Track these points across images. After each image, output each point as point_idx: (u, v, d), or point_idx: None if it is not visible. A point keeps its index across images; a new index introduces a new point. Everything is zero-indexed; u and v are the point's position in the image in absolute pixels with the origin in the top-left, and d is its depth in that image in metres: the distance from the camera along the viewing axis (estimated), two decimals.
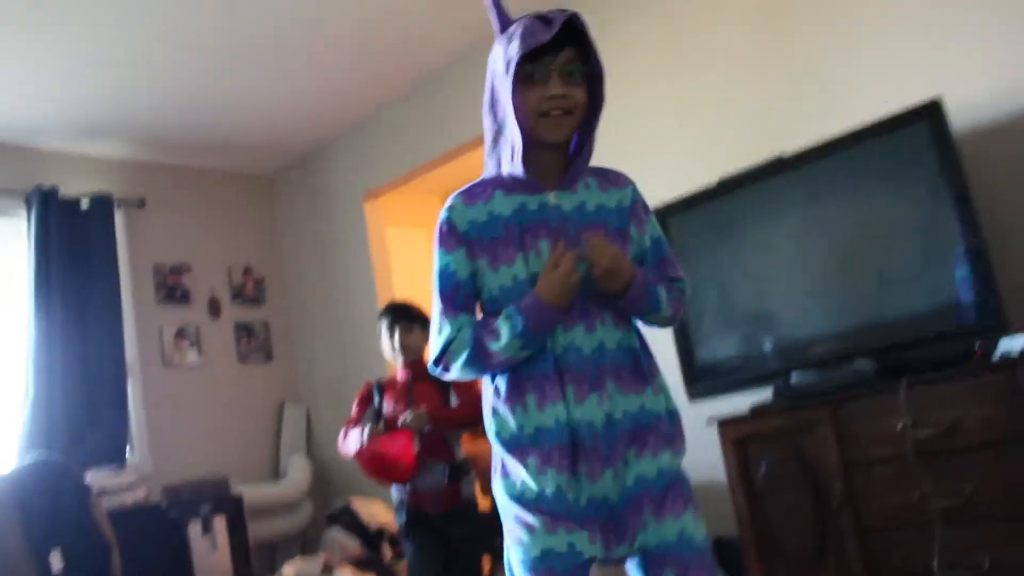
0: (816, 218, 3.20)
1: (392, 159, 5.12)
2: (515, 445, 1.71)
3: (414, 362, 3.36)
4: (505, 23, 1.84)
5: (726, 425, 3.19)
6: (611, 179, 1.96)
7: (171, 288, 5.23)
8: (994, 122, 3.04)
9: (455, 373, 1.80)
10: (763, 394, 3.35)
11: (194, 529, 4.18)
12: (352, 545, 4.59)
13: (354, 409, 3.42)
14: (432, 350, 1.82)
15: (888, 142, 3.00)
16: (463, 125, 4.72)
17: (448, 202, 1.87)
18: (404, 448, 3.06)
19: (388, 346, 3.39)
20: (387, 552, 4.62)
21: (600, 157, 3.80)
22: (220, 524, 4.26)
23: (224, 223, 5.60)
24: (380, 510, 4.76)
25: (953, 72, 3.14)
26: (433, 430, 3.17)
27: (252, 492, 4.75)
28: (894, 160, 3.00)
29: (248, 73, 4.44)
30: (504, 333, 1.69)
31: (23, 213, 4.72)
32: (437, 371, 1.83)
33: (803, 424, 2.99)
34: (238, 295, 5.52)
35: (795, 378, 3.16)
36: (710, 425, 3.28)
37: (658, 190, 3.80)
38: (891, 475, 2.79)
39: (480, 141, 4.72)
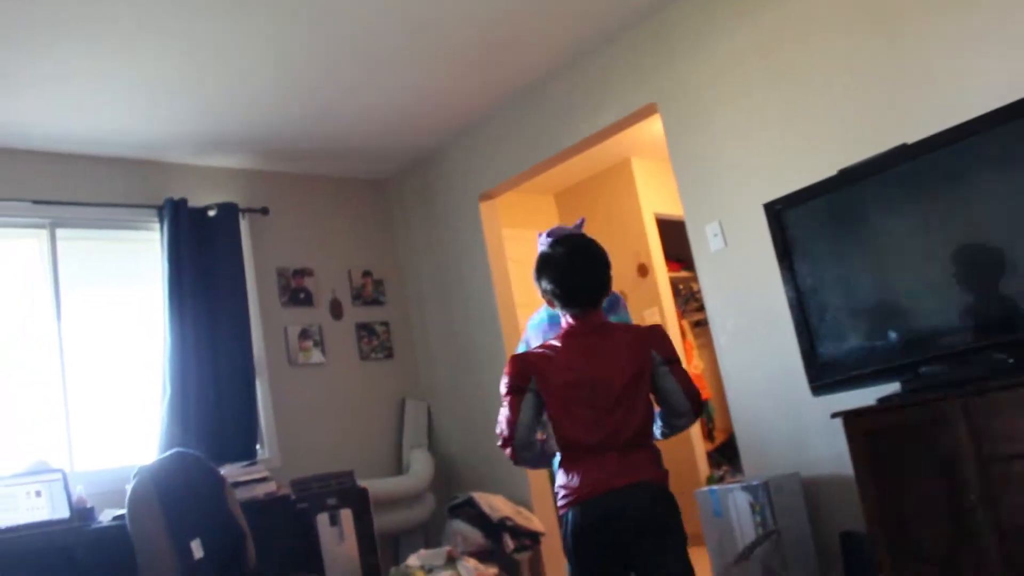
0: (943, 206, 3.12)
1: (506, 160, 5.19)
2: None
3: None
4: None
5: (853, 418, 3.14)
6: None
7: (295, 291, 5.42)
8: None
9: None
10: (889, 389, 3.27)
11: (322, 520, 4.33)
12: (474, 536, 4.67)
13: None
14: None
15: (1017, 127, 2.89)
16: (574, 126, 4.76)
17: None
18: None
19: None
20: (509, 543, 4.69)
21: (717, 156, 3.85)
22: (347, 516, 4.40)
23: (343, 228, 5.77)
24: (501, 502, 4.83)
25: None
26: None
27: (376, 485, 4.88)
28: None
29: (363, 81, 4.56)
30: None
31: (156, 225, 4.97)
32: None
33: (935, 417, 2.92)
34: (358, 296, 5.69)
35: (925, 371, 3.08)
36: (835, 418, 3.23)
37: (776, 185, 3.77)
38: None
39: (591, 142, 4.77)
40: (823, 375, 3.40)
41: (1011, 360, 2.83)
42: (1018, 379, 2.74)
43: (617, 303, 3.30)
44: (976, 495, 2.80)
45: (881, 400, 3.16)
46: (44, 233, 4.69)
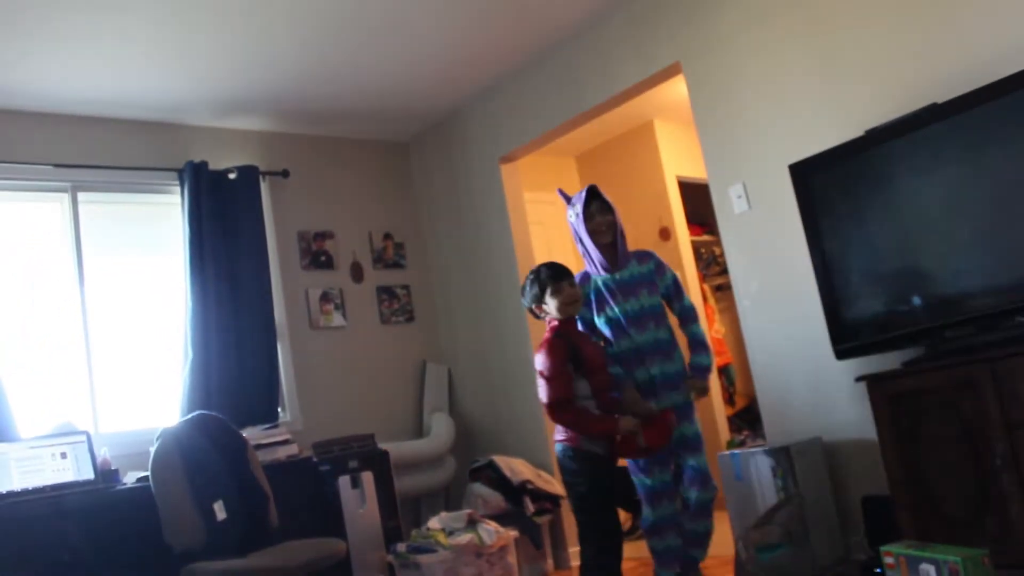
0: (972, 167, 3.06)
1: (527, 122, 5.14)
2: None
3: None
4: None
5: (877, 381, 3.10)
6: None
7: (315, 254, 5.42)
8: None
9: None
10: (913, 353, 3.23)
11: (343, 483, 4.35)
12: (495, 499, 4.69)
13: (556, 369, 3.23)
14: None
15: None
16: (598, 87, 4.70)
17: None
18: None
19: (558, 304, 3.27)
20: (529, 506, 4.70)
21: (742, 116, 3.81)
22: (368, 479, 4.42)
23: (364, 190, 5.75)
24: (522, 466, 4.84)
25: None
26: None
27: (397, 448, 4.90)
28: None
29: (381, 43, 4.52)
30: None
31: (177, 188, 4.96)
32: None
33: (960, 381, 2.88)
34: (379, 259, 5.68)
35: (950, 335, 3.04)
36: (858, 382, 3.19)
37: (801, 146, 3.71)
38: None
39: (614, 103, 4.72)
40: (847, 339, 3.36)
41: None
42: None
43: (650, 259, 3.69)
44: (1001, 459, 2.77)
45: (906, 364, 3.13)
46: (66, 197, 4.70)
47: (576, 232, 3.60)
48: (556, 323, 3.27)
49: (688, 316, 3.66)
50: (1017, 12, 3.16)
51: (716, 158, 4.18)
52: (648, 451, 3.28)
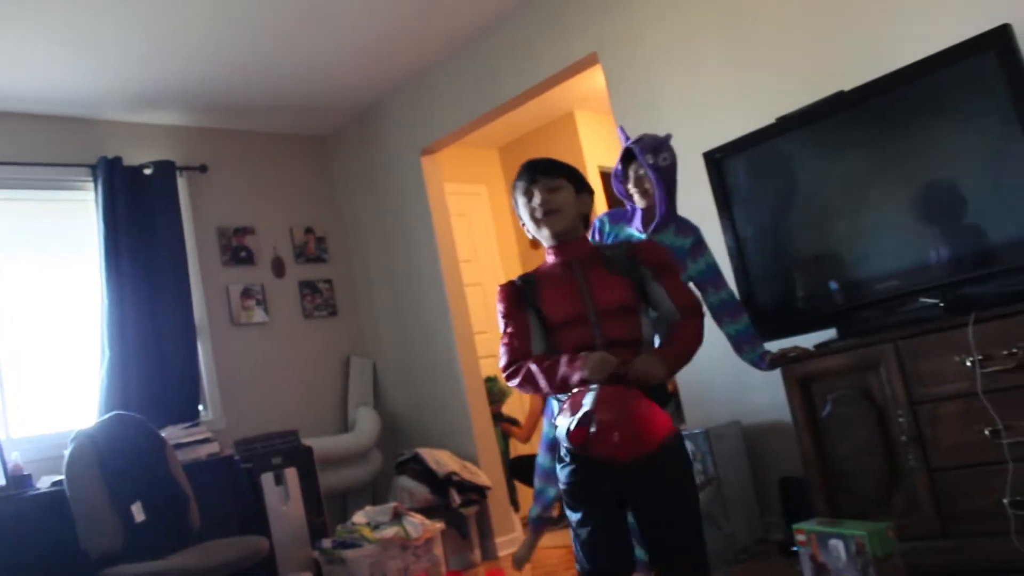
0: (880, 153, 3.14)
1: (447, 114, 5.12)
2: None
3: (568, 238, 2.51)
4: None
5: (789, 364, 3.17)
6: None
7: (236, 249, 5.33)
8: None
9: None
10: (826, 335, 3.32)
11: (267, 481, 4.30)
12: (421, 492, 4.68)
13: (504, 324, 2.42)
14: None
15: (954, 73, 2.91)
16: (516, 78, 4.71)
17: None
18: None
19: (528, 217, 2.50)
20: (455, 498, 4.71)
21: (658, 105, 3.81)
22: (292, 475, 4.38)
23: (284, 185, 5.68)
24: (447, 458, 4.85)
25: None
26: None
27: (322, 444, 4.86)
28: (960, 91, 2.92)
29: (300, 34, 4.46)
30: None
31: (90, 185, 4.83)
32: None
33: (868, 362, 2.96)
34: (301, 254, 5.61)
35: (860, 317, 3.12)
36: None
37: (716, 133, 3.77)
38: (960, 412, 2.77)
39: (533, 93, 4.73)
40: (762, 323, 3.43)
41: (941, 304, 2.88)
42: (945, 323, 2.79)
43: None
44: (907, 436, 2.86)
45: (817, 346, 3.21)
46: None
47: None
48: (550, 251, 2.51)
49: (730, 309, 3.13)
50: (917, 1, 3.27)
51: None
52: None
